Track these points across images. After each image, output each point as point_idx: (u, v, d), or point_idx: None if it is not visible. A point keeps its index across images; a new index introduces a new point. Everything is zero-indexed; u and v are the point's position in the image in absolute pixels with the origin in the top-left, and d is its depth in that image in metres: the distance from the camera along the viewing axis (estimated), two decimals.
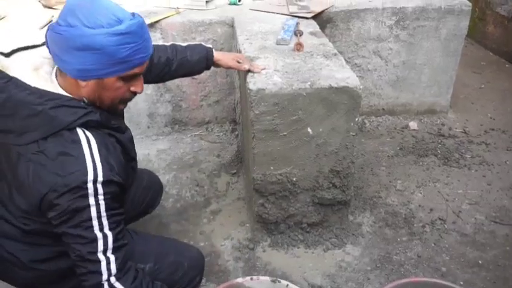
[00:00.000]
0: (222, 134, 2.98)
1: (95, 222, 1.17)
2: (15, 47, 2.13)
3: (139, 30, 1.17)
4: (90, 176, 1.13)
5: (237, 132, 2.95)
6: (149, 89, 2.82)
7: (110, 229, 1.20)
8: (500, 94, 3.49)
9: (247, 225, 2.21)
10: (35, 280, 1.37)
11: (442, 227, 2.19)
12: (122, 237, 1.25)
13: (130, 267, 1.27)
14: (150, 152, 2.83)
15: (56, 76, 1.25)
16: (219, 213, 2.31)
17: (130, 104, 2.91)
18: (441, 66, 2.98)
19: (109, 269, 1.20)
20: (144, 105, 2.88)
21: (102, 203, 1.17)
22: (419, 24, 2.81)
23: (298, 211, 2.02)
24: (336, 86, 1.73)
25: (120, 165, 1.23)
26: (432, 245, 2.09)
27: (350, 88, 1.73)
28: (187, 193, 2.46)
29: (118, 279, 1.22)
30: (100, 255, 1.19)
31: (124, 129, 1.36)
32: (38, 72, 1.24)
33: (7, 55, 1.19)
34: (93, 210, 1.16)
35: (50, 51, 1.19)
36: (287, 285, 1.67)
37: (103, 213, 1.17)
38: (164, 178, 2.54)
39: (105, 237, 1.19)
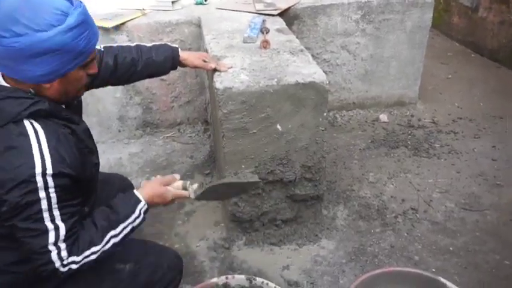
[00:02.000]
0: (194, 134, 2.96)
1: (46, 214, 1.14)
2: None
3: (85, 18, 1.15)
4: (38, 169, 1.10)
5: (209, 133, 2.94)
6: (118, 92, 2.78)
7: (62, 220, 1.16)
8: (467, 83, 3.58)
9: (222, 224, 2.20)
10: (13, 283, 1.33)
11: (414, 216, 2.23)
12: (76, 229, 1.22)
13: (76, 239, 1.23)
14: (122, 156, 2.80)
15: (5, 81, 1.20)
16: (193, 214, 2.30)
17: (99, 107, 2.89)
18: (408, 59, 3.04)
19: (60, 257, 1.18)
20: (114, 109, 2.85)
21: (53, 195, 1.13)
22: (384, 18, 2.85)
23: (272, 208, 2.02)
24: (302, 81, 1.74)
25: (73, 157, 1.19)
26: (405, 234, 2.13)
27: (316, 83, 1.75)
28: None
29: (69, 256, 1.20)
30: (51, 247, 1.16)
31: (78, 121, 1.31)
32: None
33: None
34: (44, 203, 1.12)
35: None
36: (262, 282, 1.68)
37: (54, 205, 1.14)
38: (137, 181, 2.50)
39: (56, 228, 1.16)
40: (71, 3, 1.14)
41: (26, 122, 1.14)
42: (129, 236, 1.35)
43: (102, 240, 1.27)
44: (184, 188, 1.51)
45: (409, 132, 2.93)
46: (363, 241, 2.09)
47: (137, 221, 1.36)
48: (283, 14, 2.60)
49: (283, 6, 2.64)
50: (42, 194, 1.12)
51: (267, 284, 1.68)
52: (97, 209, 1.34)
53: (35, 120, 1.15)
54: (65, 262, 1.19)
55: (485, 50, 4.03)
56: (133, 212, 1.34)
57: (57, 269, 1.19)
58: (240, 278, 1.72)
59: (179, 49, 1.77)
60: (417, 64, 3.07)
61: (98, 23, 2.50)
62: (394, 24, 2.89)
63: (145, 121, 2.95)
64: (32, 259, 1.20)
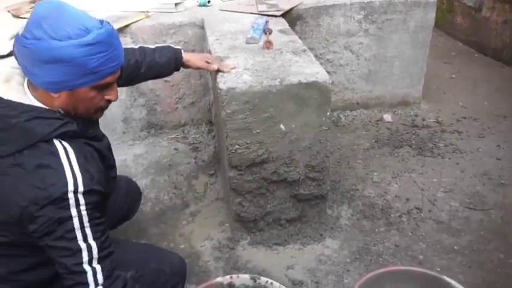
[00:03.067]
0: (198, 135, 2.97)
1: (78, 233, 1.15)
2: None
3: (108, 39, 1.15)
4: (70, 187, 1.11)
5: (213, 133, 2.95)
6: (122, 93, 2.80)
7: (94, 239, 1.18)
8: (471, 83, 3.57)
9: (227, 224, 2.21)
10: None
11: (418, 215, 2.23)
12: (108, 246, 1.23)
13: (119, 276, 1.25)
14: (127, 157, 2.81)
15: (28, 87, 1.22)
16: (197, 214, 2.31)
17: None
18: (411, 58, 3.04)
19: (95, 280, 1.18)
20: (118, 111, 2.86)
21: (84, 213, 1.14)
22: (387, 18, 2.85)
23: (276, 208, 2.03)
24: (305, 81, 1.75)
25: (100, 174, 1.22)
26: (410, 234, 2.13)
27: (319, 83, 1.75)
28: (165, 196, 2.45)
29: (107, 286, 1.20)
30: (86, 266, 1.17)
31: (101, 137, 1.34)
32: (9, 83, 1.20)
33: None
34: (76, 221, 1.14)
35: (19, 64, 1.17)
36: (267, 281, 1.69)
37: (86, 224, 1.15)
38: (142, 182, 2.52)
39: (89, 247, 1.17)
40: (101, 23, 1.17)
41: (56, 141, 1.16)
42: None
43: None
44: None
45: (413, 131, 2.93)
46: (367, 240, 2.10)
47: None
48: (286, 14, 2.60)
49: (286, 7, 2.65)
50: (74, 211, 1.13)
51: (272, 283, 1.68)
52: None
53: (63, 139, 1.17)
54: None
55: (489, 50, 4.02)
56: None
57: None
58: (245, 278, 1.72)
59: (182, 51, 1.79)
60: (420, 64, 3.07)
61: None
62: (397, 24, 2.89)
63: (150, 122, 2.97)
64: (66, 279, 1.20)
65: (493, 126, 2.98)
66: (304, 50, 2.02)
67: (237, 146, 1.84)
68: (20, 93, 1.19)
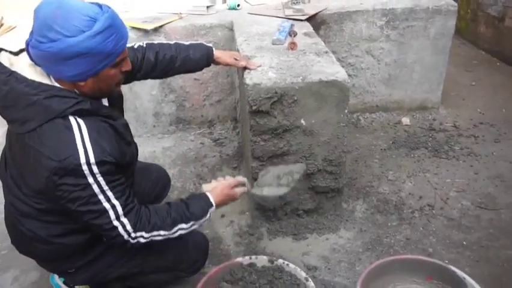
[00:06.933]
0: (223, 131, 3.14)
1: (100, 196, 1.33)
2: (22, 47, 2.33)
3: (113, 22, 1.26)
4: (82, 159, 1.27)
5: (238, 130, 3.11)
6: (154, 89, 2.99)
7: (116, 198, 1.36)
8: (491, 90, 3.64)
9: (247, 213, 2.36)
10: (57, 253, 1.52)
11: (430, 212, 2.34)
12: (131, 201, 1.43)
13: (141, 215, 1.45)
14: (156, 149, 2.99)
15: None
16: None
17: (137, 103, 3.09)
18: (431, 64, 3.13)
19: (126, 231, 1.41)
20: (150, 105, 3.05)
21: (101, 179, 1.31)
22: (408, 24, 2.96)
23: (294, 199, 2.17)
24: (326, 79, 1.89)
25: (112, 147, 1.35)
26: (421, 228, 2.23)
27: (338, 81, 1.89)
28: (191, 186, 2.62)
29: (136, 231, 1.43)
30: (115, 222, 1.38)
31: (116, 117, 1.45)
32: (35, 68, 1.33)
33: (16, 53, 1.35)
34: (95, 187, 1.31)
35: (38, 65, 1.29)
36: (283, 262, 1.83)
37: (105, 187, 1.33)
38: (169, 173, 2.65)
39: (113, 206, 1.36)
40: (101, 8, 1.26)
41: (71, 117, 1.30)
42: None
43: (171, 229, 1.51)
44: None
45: (430, 135, 3.02)
46: (380, 233, 2.21)
47: (206, 221, 1.62)
48: (311, 19, 2.75)
49: (311, 12, 2.79)
50: (91, 179, 1.30)
51: (288, 264, 1.83)
52: (175, 202, 1.58)
53: (79, 116, 1.32)
54: (132, 235, 1.42)
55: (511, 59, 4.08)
56: (205, 215, 1.59)
57: (127, 241, 1.43)
58: (263, 259, 1.87)
59: (213, 48, 1.95)
60: (440, 69, 3.16)
61: (138, 25, 2.71)
62: (418, 30, 3.00)
63: (178, 118, 3.15)
64: (105, 236, 1.45)
65: (510, 132, 3.05)
66: (326, 52, 2.16)
67: (259, 139, 1.98)
68: (44, 77, 1.32)
